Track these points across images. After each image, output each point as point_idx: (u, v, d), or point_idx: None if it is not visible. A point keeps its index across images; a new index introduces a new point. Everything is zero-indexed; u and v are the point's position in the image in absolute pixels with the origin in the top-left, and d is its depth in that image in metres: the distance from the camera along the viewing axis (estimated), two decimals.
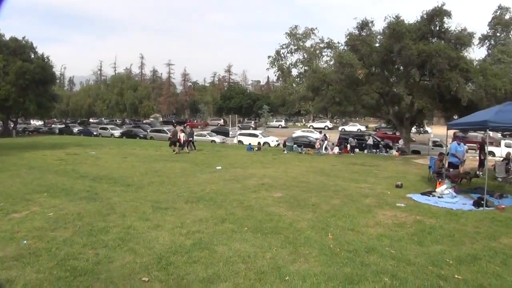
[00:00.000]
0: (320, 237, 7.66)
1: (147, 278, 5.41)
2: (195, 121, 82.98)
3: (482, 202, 11.58)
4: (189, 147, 27.85)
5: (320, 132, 34.04)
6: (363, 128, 63.54)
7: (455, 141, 16.56)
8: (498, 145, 33.71)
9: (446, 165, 15.92)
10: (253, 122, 75.26)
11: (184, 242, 6.95)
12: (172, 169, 17.67)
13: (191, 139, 28.62)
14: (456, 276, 5.95)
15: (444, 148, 30.53)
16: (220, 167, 18.26)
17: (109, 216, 8.73)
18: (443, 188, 13.49)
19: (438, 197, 12.82)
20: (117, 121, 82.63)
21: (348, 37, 32.74)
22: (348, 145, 34.13)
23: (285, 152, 30.76)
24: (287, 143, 33.94)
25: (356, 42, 31.08)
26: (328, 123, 72.27)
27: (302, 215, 9.47)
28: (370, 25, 32.89)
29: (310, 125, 70.83)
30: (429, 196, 13.03)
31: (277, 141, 41.10)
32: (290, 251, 6.71)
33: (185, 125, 38.80)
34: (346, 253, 6.73)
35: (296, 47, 68.63)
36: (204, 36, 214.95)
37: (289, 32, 68.96)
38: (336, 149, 32.40)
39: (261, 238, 7.38)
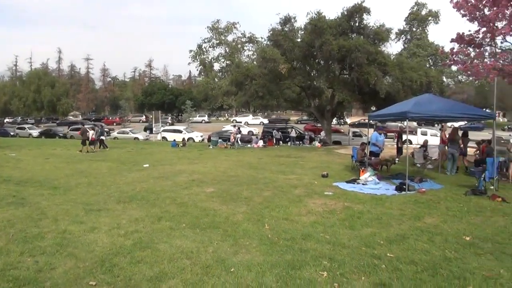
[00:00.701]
0: (258, 228, 7.86)
1: (94, 282, 5.28)
2: (114, 118, 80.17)
3: (404, 186, 12.43)
4: (101, 146, 27.26)
5: (234, 126, 34.27)
6: (265, 121, 64.57)
7: (376, 131, 17.44)
8: (415, 133, 35.65)
9: (368, 154, 16.74)
10: (170, 117, 74.23)
11: (124, 243, 6.84)
12: (98, 169, 17.18)
13: (102, 137, 27.95)
14: (388, 254, 6.42)
15: (364, 138, 32.07)
16: (147, 165, 18.00)
17: (41, 221, 8.32)
18: (367, 175, 14.25)
19: (363, 184, 13.50)
20: (29, 120, 78.04)
21: (271, 32, 33.20)
22: (274, 138, 34.80)
23: (211, 147, 30.79)
24: (212, 138, 33.95)
25: (279, 38, 31.55)
26: (250, 118, 72.83)
27: (236, 208, 9.63)
28: (292, 20, 33.48)
29: (234, 119, 70.92)
30: (354, 183, 13.65)
31: (201, 136, 41.04)
32: (231, 244, 6.84)
33: (95, 123, 38.03)
34: (284, 242, 6.99)
35: (218, 41, 68.72)
36: (124, 29, 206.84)
37: (211, 26, 68.88)
38: (261, 142, 32.86)
39: (200, 233, 7.43)
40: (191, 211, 9.21)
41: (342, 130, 41.79)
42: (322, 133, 36.46)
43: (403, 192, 12.12)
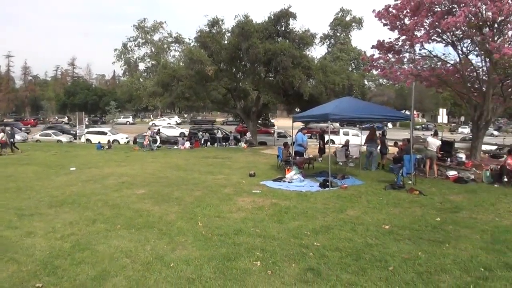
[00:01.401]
0: (191, 226, 8.18)
1: (40, 284, 5.36)
2: (29, 120, 75.97)
3: (328, 183, 13.30)
4: (12, 148, 26.30)
5: (149, 128, 34.06)
6: (178, 121, 64.73)
7: (300, 132, 18.26)
8: (338, 133, 37.15)
9: (293, 154, 17.50)
10: (87, 119, 72.13)
11: (63, 246, 6.89)
12: (25, 173, 16.55)
13: (12, 140, 26.93)
14: (315, 243, 7.04)
15: (288, 138, 33.08)
16: (74, 168, 17.61)
17: None
18: (292, 174, 14.92)
19: (288, 182, 14.17)
20: None
21: (198, 33, 33.30)
22: (203, 139, 35.02)
23: (137, 149, 30.41)
24: (137, 140, 33.50)
25: (207, 39, 31.72)
26: (177, 118, 72.27)
27: (169, 208, 9.86)
28: (220, 23, 33.81)
29: (153, 123, 68.98)
30: (280, 182, 14.27)
31: (126, 138, 40.32)
32: (167, 241, 7.11)
33: (5, 125, 36.53)
34: (218, 237, 7.38)
35: (144, 40, 67.49)
36: (46, 25, 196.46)
37: (137, 24, 67.51)
38: (187, 144, 32.87)
39: (136, 233, 7.63)
40: (124, 213, 9.31)
41: (273, 131, 42.66)
42: (248, 134, 37.07)
43: (327, 188, 12.96)
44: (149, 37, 67.80)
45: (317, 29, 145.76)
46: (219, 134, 37.06)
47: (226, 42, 33.02)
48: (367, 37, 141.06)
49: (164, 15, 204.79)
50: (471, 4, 14.16)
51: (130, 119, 77.32)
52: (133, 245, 6.90)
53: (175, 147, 32.74)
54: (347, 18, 76.89)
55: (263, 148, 32.67)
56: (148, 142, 29.90)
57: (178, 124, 62.71)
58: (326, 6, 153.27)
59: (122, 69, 75.30)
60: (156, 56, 65.09)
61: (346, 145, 19.76)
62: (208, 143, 35.43)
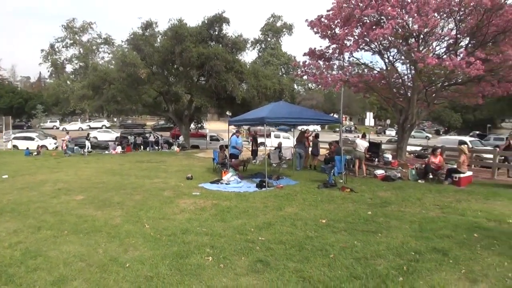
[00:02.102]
0: (139, 228, 8.37)
1: None
2: None
3: (264, 184, 13.87)
4: None
5: (67, 133, 33.26)
6: (107, 124, 63.94)
7: (234, 135, 18.76)
8: (269, 136, 38.01)
9: (228, 156, 17.95)
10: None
11: (14, 254, 6.82)
12: None
13: None
14: (260, 238, 7.55)
15: (221, 141, 33.46)
16: (6, 176, 17.02)
17: None
18: (229, 175, 15.40)
19: (226, 183, 14.62)
20: None
21: (132, 36, 33.02)
22: (135, 143, 34.66)
23: (67, 154, 29.51)
24: (68, 145, 32.51)
25: (140, 42, 31.65)
26: (106, 122, 70.50)
27: (112, 212, 9.93)
28: (154, 25, 33.81)
29: (63, 128, 66.16)
30: (218, 183, 14.69)
31: (55, 143, 39.01)
32: (118, 244, 7.27)
33: None
34: (167, 237, 7.65)
35: (72, 41, 65.54)
36: None
37: (65, 24, 65.47)
38: (119, 148, 32.40)
39: (85, 238, 7.68)
40: (68, 219, 9.25)
41: (206, 134, 42.89)
42: (181, 138, 37.09)
43: (264, 189, 13.55)
44: (78, 38, 66.04)
45: (249, 34, 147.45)
46: (152, 138, 36.84)
47: (159, 45, 32.94)
48: (297, 43, 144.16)
49: (94, 15, 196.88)
50: (398, 17, 15.23)
51: (57, 124, 74.35)
52: (85, 249, 6.98)
53: (107, 152, 32.20)
54: (278, 24, 78.78)
55: (196, 151, 33.02)
56: (66, 147, 29.06)
57: (107, 128, 61.44)
58: (258, 12, 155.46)
59: (48, 71, 72.77)
60: (84, 58, 63.50)
61: (279, 147, 20.46)
62: (141, 147, 35.13)
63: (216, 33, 32.80)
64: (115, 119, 75.80)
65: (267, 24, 79.05)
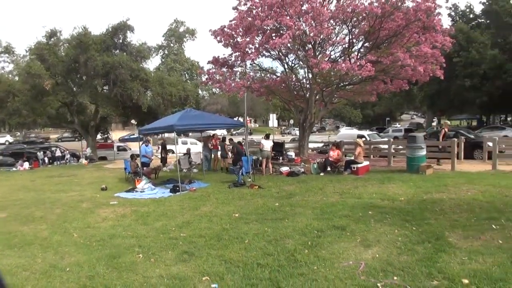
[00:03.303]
0: (68, 238, 8.88)
1: None
2: None
3: (178, 188, 14.71)
4: None
5: None
6: (10, 139, 61.68)
7: (144, 144, 19.38)
8: (176, 143, 38.47)
9: (140, 165, 18.54)
10: None
11: None
12: None
13: None
14: (181, 235, 8.51)
15: (129, 151, 33.53)
16: None
17: None
18: (143, 183, 16.07)
19: (141, 191, 15.26)
20: None
21: (36, 45, 31.92)
22: (40, 159, 33.53)
23: None
24: None
25: (44, 52, 30.63)
26: (9, 138, 66.71)
27: (38, 226, 10.21)
28: (58, 34, 32.90)
29: None
30: (133, 192, 15.26)
31: None
32: (53, 253, 7.76)
33: None
34: (97, 243, 8.29)
35: None
36: None
37: None
38: (26, 164, 31.31)
39: (20, 251, 8.02)
40: None
41: (113, 145, 42.26)
42: (88, 150, 36.48)
43: (178, 193, 14.41)
44: None
45: (151, 40, 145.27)
46: (58, 153, 35.87)
47: (63, 54, 32.23)
48: (200, 48, 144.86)
49: None
50: (295, 27, 16.66)
51: None
52: (25, 261, 7.36)
53: (14, 168, 30.98)
54: (181, 29, 78.87)
55: (104, 163, 32.52)
56: None
57: (10, 143, 58.32)
58: (161, 17, 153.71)
59: None
60: None
61: (188, 153, 21.29)
62: (49, 162, 34.07)
63: (121, 41, 32.86)
64: (17, 134, 71.66)
65: (169, 29, 78.89)
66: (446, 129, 18.42)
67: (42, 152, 32.94)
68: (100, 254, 7.45)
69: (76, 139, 50.19)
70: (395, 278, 5.33)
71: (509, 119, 59.92)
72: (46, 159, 33.03)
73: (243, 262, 6.40)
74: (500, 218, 7.82)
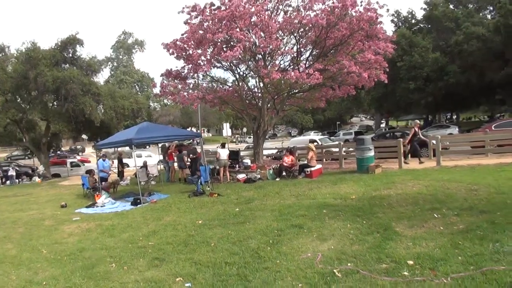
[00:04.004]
0: (37, 254, 9.11)
1: None
2: None
3: (138, 201, 15.05)
4: None
5: None
6: None
7: (101, 159, 19.56)
8: (131, 156, 38.38)
9: (99, 180, 18.69)
10: None
11: None
12: None
13: None
14: (149, 243, 8.96)
15: (83, 167, 33.23)
16: None
17: None
18: (103, 198, 16.28)
19: (102, 206, 15.49)
20: None
21: None
22: None
23: None
24: None
25: None
26: None
27: (4, 246, 10.28)
28: (6, 50, 32.27)
29: None
30: (94, 207, 15.45)
31: None
32: (26, 269, 7.99)
33: None
34: (67, 257, 8.59)
35: None
36: None
37: None
38: None
39: (1, 271, 8.13)
40: None
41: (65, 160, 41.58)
42: (41, 167, 35.79)
43: (139, 205, 14.73)
44: None
45: (100, 51, 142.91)
46: (13, 172, 34.87)
47: (11, 70, 31.52)
48: (150, 58, 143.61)
49: None
50: (246, 40, 17.31)
51: None
52: None
53: None
54: (129, 41, 78.39)
55: (59, 180, 32.07)
56: None
57: None
58: (108, 29, 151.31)
59: None
60: None
61: (145, 165, 21.52)
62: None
63: (70, 55, 32.42)
64: None
65: (118, 41, 78.29)
66: (417, 128, 19.11)
67: None
68: (73, 267, 7.78)
69: (27, 157, 49.16)
70: (349, 264, 6.05)
71: (454, 117, 63.09)
72: None
73: (211, 263, 6.94)
74: (441, 208, 8.72)
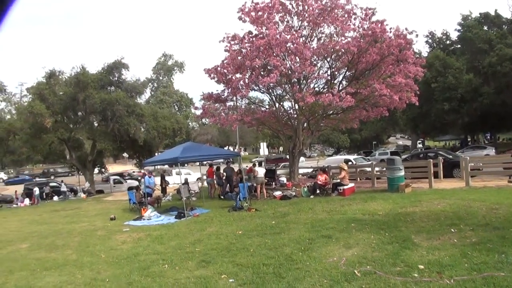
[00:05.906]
0: (97, 258, 10.33)
1: None
2: None
3: (182, 214, 16.21)
4: None
5: None
6: (5, 177, 62.77)
7: (147, 175, 20.91)
8: (170, 174, 39.84)
9: (144, 195, 20.02)
10: None
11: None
12: None
13: None
14: (196, 249, 10.12)
15: (125, 184, 34.78)
16: None
17: None
18: (149, 212, 17.53)
19: (148, 219, 16.70)
20: None
21: (36, 85, 33.53)
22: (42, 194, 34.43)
23: None
24: None
25: (44, 91, 32.02)
26: (3, 175, 67.18)
27: (64, 252, 11.59)
28: (58, 74, 34.50)
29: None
30: (141, 220, 16.71)
31: None
32: (89, 270, 9.19)
33: None
34: (124, 260, 9.78)
35: None
36: None
37: None
38: (27, 201, 32.27)
39: (57, 271, 9.26)
40: (30, 262, 10.54)
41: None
42: (87, 184, 37.53)
43: (183, 219, 15.89)
44: None
45: (140, 73, 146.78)
46: (64, 188, 36.50)
47: (62, 93, 33.65)
48: (188, 79, 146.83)
49: None
50: (281, 66, 18.46)
51: None
52: (66, 278, 8.67)
53: (14, 205, 31.93)
54: (169, 63, 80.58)
55: (103, 196, 33.70)
56: None
57: (4, 181, 59.15)
58: (149, 51, 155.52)
59: None
60: None
61: (187, 182, 22.81)
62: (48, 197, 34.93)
63: (116, 78, 34.50)
64: (10, 171, 72.08)
65: (158, 63, 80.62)
66: None
67: (37, 188, 33.57)
68: (131, 268, 8.94)
69: (70, 174, 51.36)
70: (368, 267, 7.00)
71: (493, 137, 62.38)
72: (44, 195, 34.04)
73: (251, 264, 8.00)
74: (459, 224, 9.49)
